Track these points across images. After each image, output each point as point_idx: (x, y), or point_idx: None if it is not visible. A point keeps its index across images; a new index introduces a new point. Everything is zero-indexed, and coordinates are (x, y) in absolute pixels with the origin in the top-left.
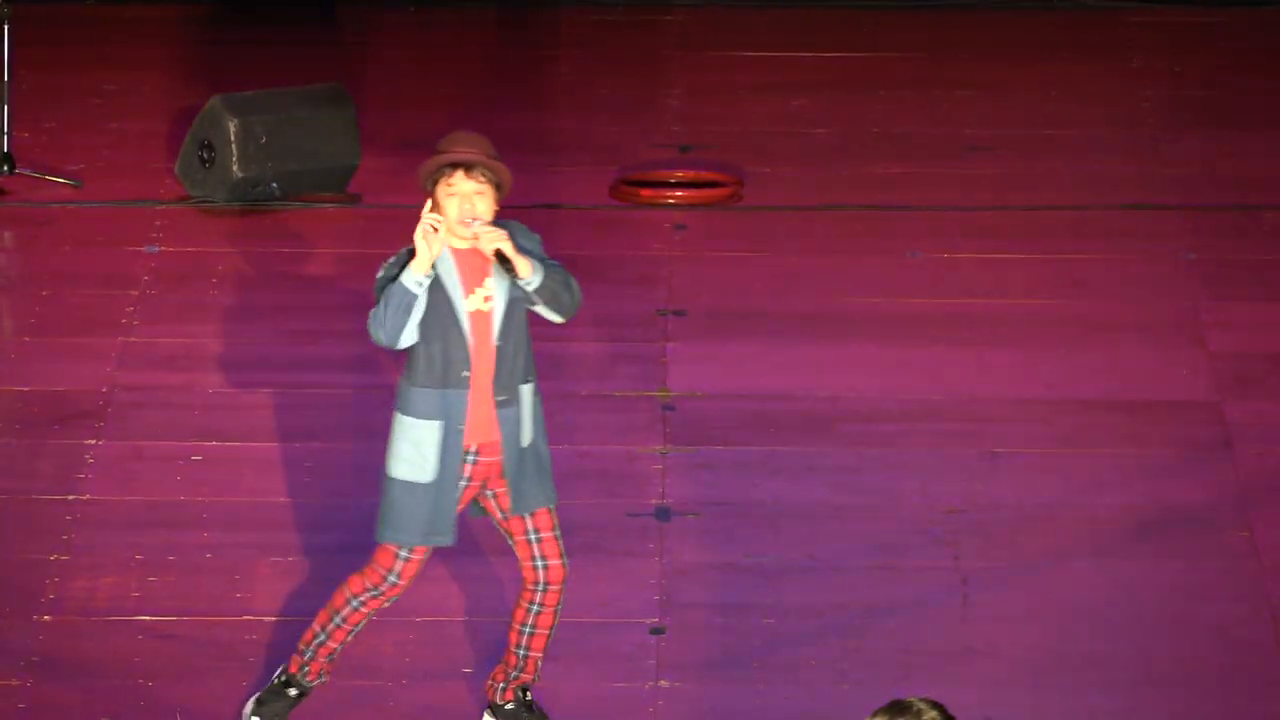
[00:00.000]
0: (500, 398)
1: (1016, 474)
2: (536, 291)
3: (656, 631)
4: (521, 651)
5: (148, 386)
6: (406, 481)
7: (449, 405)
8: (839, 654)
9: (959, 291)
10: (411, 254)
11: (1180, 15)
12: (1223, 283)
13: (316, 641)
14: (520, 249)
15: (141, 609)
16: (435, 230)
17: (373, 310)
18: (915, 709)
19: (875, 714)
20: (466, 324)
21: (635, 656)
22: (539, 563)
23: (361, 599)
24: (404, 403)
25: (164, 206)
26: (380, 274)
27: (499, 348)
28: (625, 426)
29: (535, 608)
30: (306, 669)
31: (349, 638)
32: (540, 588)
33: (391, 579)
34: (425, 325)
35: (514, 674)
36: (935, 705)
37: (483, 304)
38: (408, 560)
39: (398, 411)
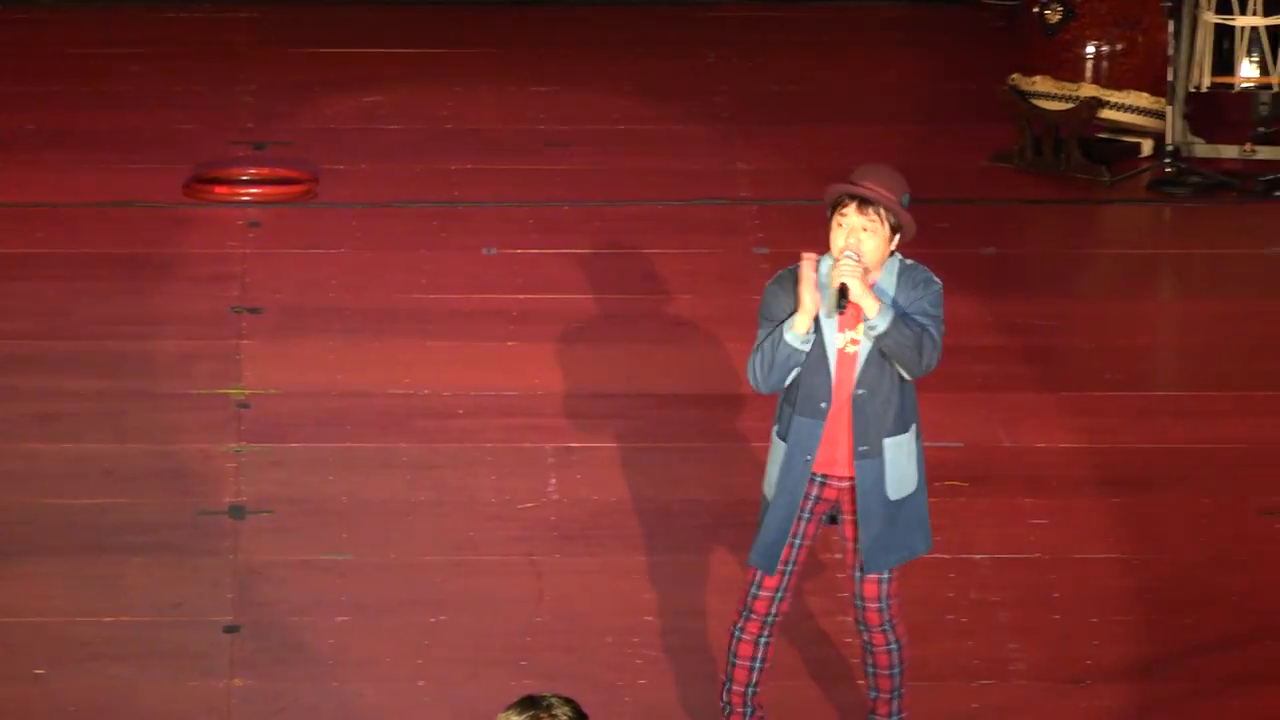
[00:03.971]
0: (861, 447)
1: (591, 469)
2: (880, 339)
3: (231, 630)
4: (872, 693)
5: None
6: (765, 499)
7: (801, 432)
8: (415, 650)
9: (535, 287)
10: (789, 286)
11: (754, 11)
12: None
13: (726, 691)
14: (899, 300)
15: None
16: (816, 290)
17: (753, 356)
18: (547, 703)
19: (508, 709)
20: (833, 360)
21: (209, 655)
22: (860, 625)
23: (739, 625)
24: (777, 421)
25: None
26: (764, 301)
27: (858, 395)
28: (199, 424)
29: (866, 653)
30: None
31: (753, 675)
32: (865, 647)
33: (752, 592)
34: None
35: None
36: (567, 701)
37: (849, 345)
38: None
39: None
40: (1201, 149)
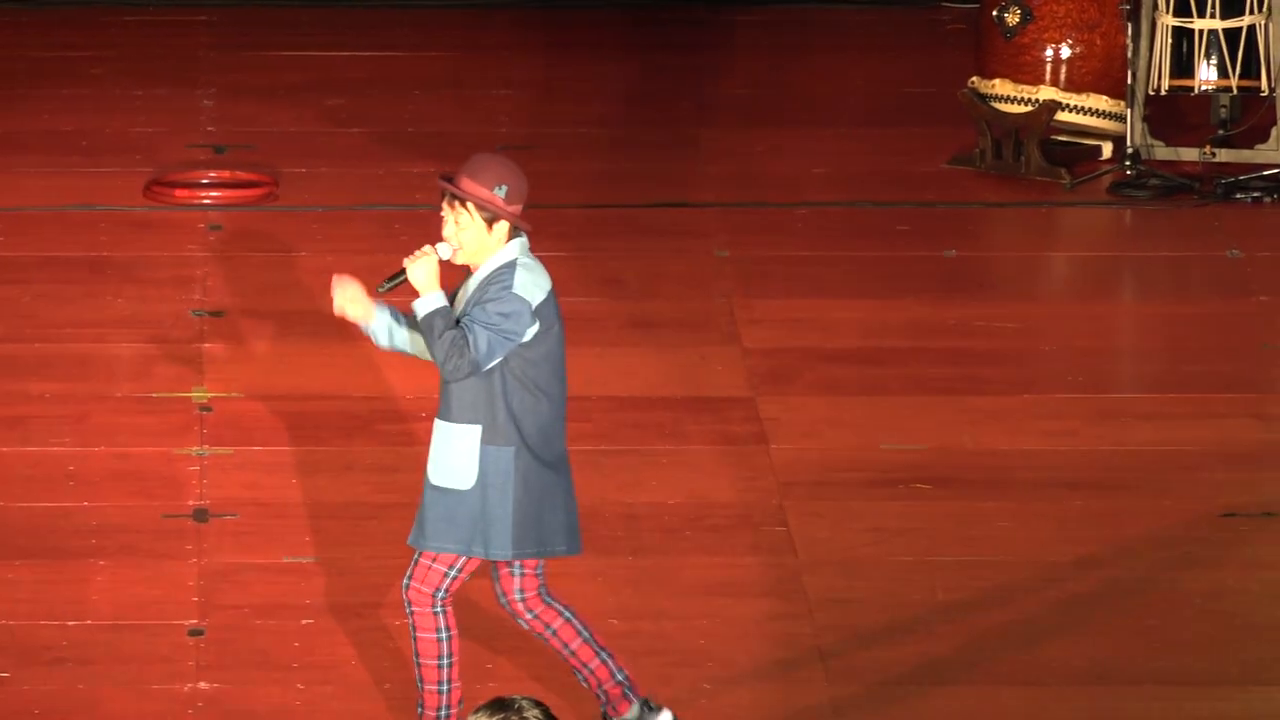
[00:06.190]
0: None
1: None
2: (418, 321)
3: (195, 633)
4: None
5: None
6: None
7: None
8: (380, 653)
9: None
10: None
11: (716, 14)
12: (756, 280)
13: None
14: (468, 297)
15: None
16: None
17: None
18: (517, 706)
19: (477, 711)
20: None
21: (174, 659)
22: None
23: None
24: None
25: None
26: None
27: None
28: (162, 428)
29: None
30: None
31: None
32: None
33: None
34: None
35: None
36: (537, 704)
37: None
38: None
39: None
40: (1162, 152)
